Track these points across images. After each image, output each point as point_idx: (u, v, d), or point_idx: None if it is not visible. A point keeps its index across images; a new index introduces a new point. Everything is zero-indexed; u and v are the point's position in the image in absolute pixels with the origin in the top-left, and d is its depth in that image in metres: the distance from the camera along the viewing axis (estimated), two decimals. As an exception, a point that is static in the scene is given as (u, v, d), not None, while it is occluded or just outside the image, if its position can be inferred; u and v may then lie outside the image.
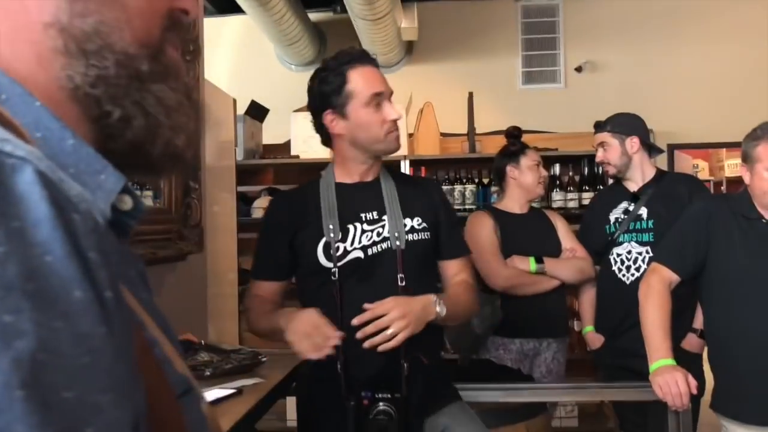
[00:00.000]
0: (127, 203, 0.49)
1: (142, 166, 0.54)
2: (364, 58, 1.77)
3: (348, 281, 1.71)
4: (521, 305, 2.71)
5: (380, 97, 1.76)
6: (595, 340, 2.78)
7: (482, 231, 2.76)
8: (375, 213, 1.79)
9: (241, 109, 4.06)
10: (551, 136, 4.47)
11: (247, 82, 4.80)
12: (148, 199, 2.24)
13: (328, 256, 1.73)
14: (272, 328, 1.73)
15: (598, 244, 2.72)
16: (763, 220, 2.03)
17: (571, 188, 4.22)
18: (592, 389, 2.48)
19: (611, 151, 2.67)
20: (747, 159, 2.04)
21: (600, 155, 2.71)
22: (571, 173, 4.28)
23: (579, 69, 4.77)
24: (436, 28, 4.84)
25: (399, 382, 1.67)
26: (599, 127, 2.73)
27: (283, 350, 1.92)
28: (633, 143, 2.65)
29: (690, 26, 4.74)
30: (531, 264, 2.70)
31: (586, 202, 4.10)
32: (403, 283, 1.71)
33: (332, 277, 1.71)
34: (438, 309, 1.67)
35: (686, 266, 2.10)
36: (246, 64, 4.99)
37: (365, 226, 1.77)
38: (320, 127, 1.82)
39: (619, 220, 2.67)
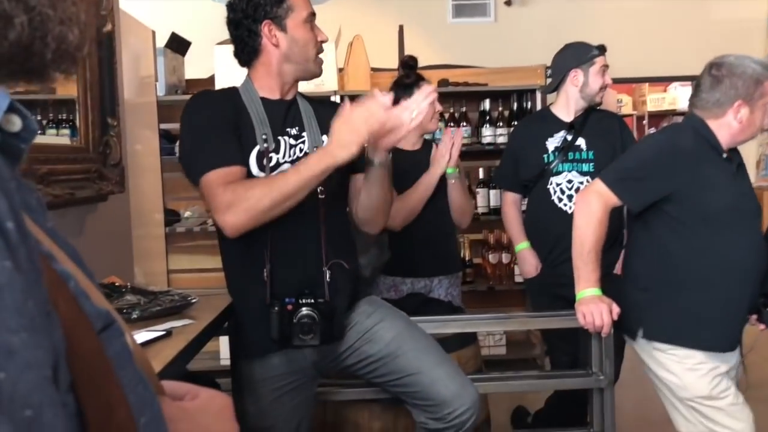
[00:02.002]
0: (16, 124, 0.43)
1: (32, 72, 0.47)
2: None
3: None
4: (410, 243, 2.69)
5: (313, 18, 1.82)
6: (530, 257, 2.78)
7: None
8: (297, 129, 1.80)
9: (161, 42, 3.88)
10: (481, 71, 4.47)
11: (167, 12, 4.56)
12: (65, 138, 2.12)
13: (261, 167, 1.72)
14: (305, 179, 1.59)
15: (530, 173, 2.73)
16: (724, 156, 2.02)
17: (501, 123, 4.25)
18: (520, 319, 2.55)
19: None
20: (746, 97, 1.98)
21: (605, 79, 2.69)
22: (500, 108, 4.31)
23: (509, 3, 4.74)
24: (365, -43, 4.70)
25: (322, 288, 1.74)
26: (603, 49, 2.72)
27: (215, 291, 1.90)
28: None
29: (617, -40, 4.77)
30: (452, 169, 2.70)
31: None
32: (323, 196, 1.74)
33: None
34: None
35: (641, 199, 2.02)
36: (165, -7, 4.73)
37: (291, 141, 1.79)
38: (250, 38, 1.77)
39: (558, 149, 2.69)
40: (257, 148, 1.73)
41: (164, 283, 3.57)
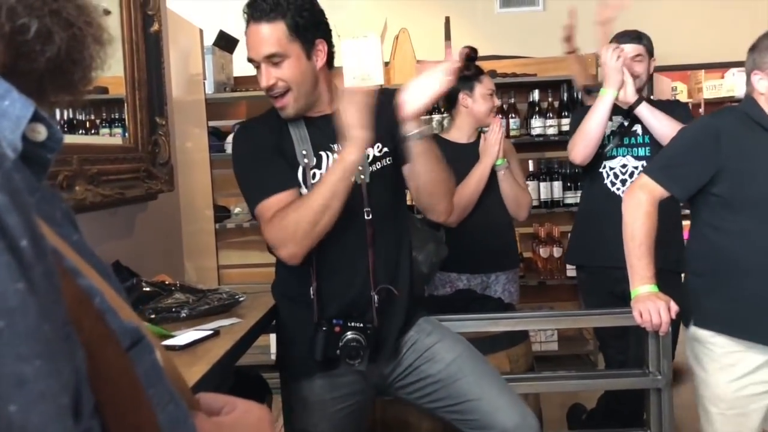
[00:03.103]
0: (41, 133, 0.41)
1: (60, 89, 0.46)
2: (253, 13, 1.65)
3: None
4: (467, 239, 2.64)
5: (255, 63, 1.69)
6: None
7: None
8: (340, 145, 1.70)
9: (210, 40, 3.91)
10: (529, 61, 4.37)
11: (214, 10, 4.60)
12: (117, 137, 2.15)
13: (306, 184, 1.69)
14: (331, 185, 1.56)
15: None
16: None
17: (551, 114, 4.16)
18: (574, 317, 2.48)
19: (644, 66, 2.58)
20: (761, 66, 1.91)
21: (630, 67, 2.55)
22: (550, 99, 4.21)
23: (558, -10, 4.62)
24: (410, -51, 4.65)
25: (370, 313, 1.68)
26: (634, 38, 2.60)
27: (264, 285, 1.89)
28: (653, 64, 2.63)
29: (671, -57, 4.60)
30: (500, 160, 2.65)
31: (566, 128, 4.04)
32: (369, 217, 1.68)
33: None
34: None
35: (687, 186, 1.95)
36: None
37: (336, 156, 1.72)
38: None
39: (614, 134, 2.60)
40: (300, 167, 1.70)
41: (214, 279, 3.62)
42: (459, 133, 2.77)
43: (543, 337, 4.15)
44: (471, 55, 2.84)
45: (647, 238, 1.93)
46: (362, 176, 1.69)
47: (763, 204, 1.88)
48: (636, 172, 2.54)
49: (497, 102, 2.77)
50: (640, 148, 2.57)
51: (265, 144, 1.72)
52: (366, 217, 1.68)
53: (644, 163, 2.53)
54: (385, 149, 1.75)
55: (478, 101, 2.72)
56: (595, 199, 2.63)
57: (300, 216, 1.58)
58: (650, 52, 2.61)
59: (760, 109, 1.93)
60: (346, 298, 1.69)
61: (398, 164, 1.76)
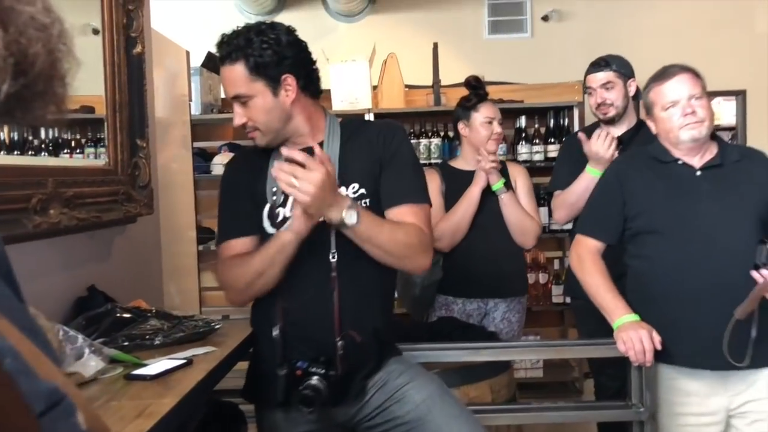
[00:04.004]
0: None
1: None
2: (220, 55, 1.66)
3: None
4: (462, 264, 2.63)
5: (232, 100, 1.68)
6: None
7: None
8: None
9: (198, 61, 3.90)
10: (517, 87, 4.39)
11: (203, 32, 4.60)
12: (102, 158, 2.11)
13: (272, 222, 1.68)
14: (269, 256, 1.59)
15: None
16: (679, 162, 2.02)
17: (537, 141, 4.17)
18: (557, 347, 2.45)
19: (616, 92, 2.58)
20: (648, 110, 2.08)
21: (602, 96, 2.58)
22: (537, 125, 4.22)
23: (546, 18, 4.66)
24: (400, -25, 4.67)
25: (334, 360, 1.61)
26: (602, 66, 2.60)
27: (239, 315, 1.86)
28: (632, 86, 2.61)
29: (658, -26, 4.65)
30: (497, 185, 2.66)
31: (552, 154, 4.05)
32: (335, 259, 1.61)
33: None
34: (345, 214, 1.53)
35: (610, 231, 2.08)
36: (201, 12, 4.77)
37: None
38: None
39: None
40: (268, 204, 1.69)
41: (196, 301, 3.56)
42: (464, 161, 2.80)
43: (528, 364, 4.12)
44: (473, 84, 2.83)
45: (602, 278, 2.05)
46: None
47: (662, 233, 2.00)
48: None
49: (497, 129, 2.75)
50: None
51: (237, 183, 1.76)
52: (331, 259, 1.62)
53: None
54: (362, 190, 1.68)
55: (475, 130, 2.73)
56: None
57: (239, 273, 1.65)
58: (625, 74, 2.60)
59: (659, 144, 2.07)
60: (311, 342, 1.63)
61: (378, 205, 1.68)
